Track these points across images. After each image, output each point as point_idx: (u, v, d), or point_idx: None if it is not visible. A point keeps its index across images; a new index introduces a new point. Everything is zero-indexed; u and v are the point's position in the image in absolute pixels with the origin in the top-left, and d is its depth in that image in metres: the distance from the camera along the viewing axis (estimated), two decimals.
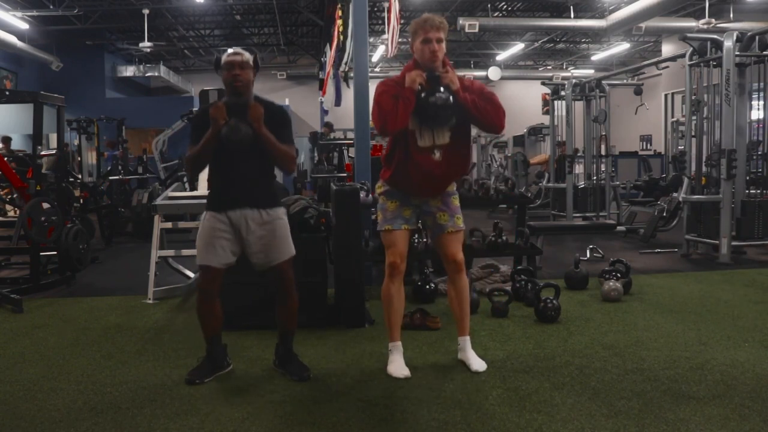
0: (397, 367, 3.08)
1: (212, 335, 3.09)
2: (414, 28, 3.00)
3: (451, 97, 2.94)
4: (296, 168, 3.10)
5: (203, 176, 5.42)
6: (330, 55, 10.43)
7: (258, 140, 2.87)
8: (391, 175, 3.11)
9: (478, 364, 3.12)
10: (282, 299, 3.08)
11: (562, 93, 9.59)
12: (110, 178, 9.01)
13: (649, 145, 18.51)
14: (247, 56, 2.93)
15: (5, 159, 5.98)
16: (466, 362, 3.16)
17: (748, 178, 6.62)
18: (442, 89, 2.95)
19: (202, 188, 5.36)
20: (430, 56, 2.96)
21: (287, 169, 3.04)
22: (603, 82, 9.24)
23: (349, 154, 11.27)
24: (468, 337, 3.22)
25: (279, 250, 3.00)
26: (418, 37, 2.98)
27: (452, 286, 3.21)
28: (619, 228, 7.67)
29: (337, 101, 12.38)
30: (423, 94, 2.94)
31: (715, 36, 6.42)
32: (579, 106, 9.60)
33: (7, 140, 11.07)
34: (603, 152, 9.20)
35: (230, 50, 2.95)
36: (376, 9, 13.98)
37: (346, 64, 9.37)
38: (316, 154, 12.38)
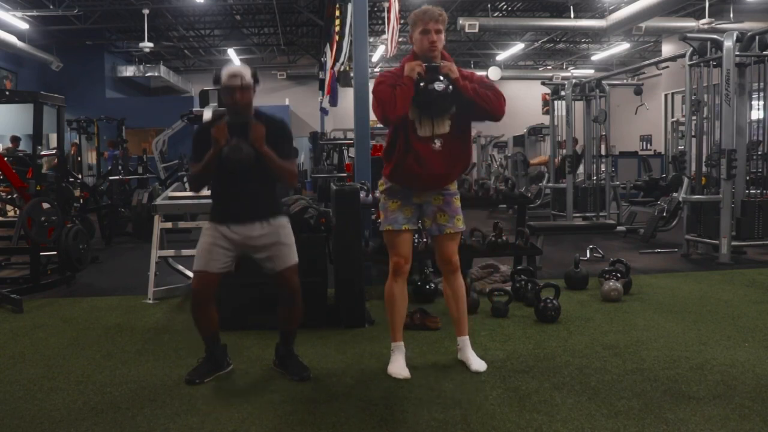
0: (398, 367, 3.08)
1: (209, 336, 3.09)
2: (413, 19, 3.00)
3: (450, 86, 2.94)
4: (297, 179, 3.09)
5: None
6: (331, 55, 10.43)
7: (260, 159, 2.89)
8: (392, 169, 3.10)
9: (478, 364, 3.12)
10: (286, 303, 3.06)
11: (562, 93, 9.59)
12: (110, 178, 9.00)
13: (649, 145, 18.52)
14: (248, 78, 2.90)
15: (5, 159, 5.97)
16: (466, 362, 3.16)
17: (748, 178, 6.62)
18: (441, 78, 2.95)
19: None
20: (429, 47, 2.96)
21: (289, 184, 3.06)
22: (603, 82, 9.24)
23: (349, 154, 11.29)
24: (467, 337, 3.22)
25: (283, 256, 3.00)
26: (417, 28, 2.98)
27: (448, 286, 3.21)
28: (619, 228, 7.67)
29: (333, 101, 12.37)
30: (422, 84, 2.94)
31: (715, 36, 6.42)
32: (579, 106, 9.61)
33: (16, 140, 11.11)
34: (603, 152, 9.20)
35: (229, 71, 2.90)
36: (376, 9, 13.98)
37: (342, 64, 9.37)
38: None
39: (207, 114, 5.72)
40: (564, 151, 10.08)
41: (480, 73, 14.04)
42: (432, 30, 2.94)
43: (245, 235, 2.96)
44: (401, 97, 2.90)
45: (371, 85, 5.33)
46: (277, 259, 2.99)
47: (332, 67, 10.38)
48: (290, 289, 3.02)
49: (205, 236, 3.01)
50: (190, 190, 3.23)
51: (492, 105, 2.98)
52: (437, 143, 3.00)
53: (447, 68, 2.95)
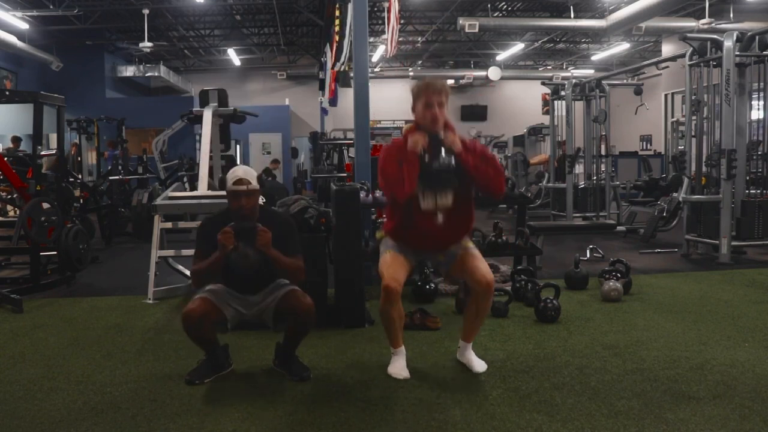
0: (398, 367, 3.08)
1: (207, 348, 3.07)
2: (416, 92, 3.01)
3: (453, 160, 2.95)
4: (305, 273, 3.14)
5: (203, 176, 5.44)
6: (331, 55, 10.43)
7: (266, 258, 2.94)
8: (393, 230, 3.12)
9: (478, 364, 3.12)
10: (298, 323, 3.04)
11: (562, 93, 9.59)
12: (110, 178, 9.01)
13: (649, 145, 18.52)
14: (253, 184, 2.97)
15: (5, 159, 5.97)
16: (466, 363, 3.16)
17: (748, 178, 6.62)
18: (443, 152, 2.96)
19: (202, 188, 5.36)
20: (431, 120, 2.96)
21: (297, 280, 3.08)
22: (603, 82, 9.25)
23: (349, 154, 11.29)
24: (470, 344, 3.20)
25: (283, 286, 3.06)
26: (419, 101, 2.98)
27: (475, 304, 3.09)
28: (619, 228, 7.66)
29: (333, 101, 12.39)
30: (426, 158, 2.94)
31: (715, 36, 6.42)
32: (579, 106, 9.61)
33: (17, 140, 11.10)
34: (603, 152, 9.20)
35: (235, 176, 2.96)
36: (376, 9, 13.98)
37: (342, 64, 9.37)
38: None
39: (207, 114, 5.71)
40: (563, 151, 10.08)
41: (481, 73, 14.10)
42: (434, 103, 2.94)
43: (246, 299, 3.08)
44: (409, 176, 2.90)
45: (371, 85, 5.34)
46: (277, 293, 3.05)
47: (333, 67, 10.39)
48: (304, 309, 2.97)
49: (211, 286, 3.07)
50: (192, 286, 3.28)
51: (491, 183, 3.00)
52: (440, 217, 3.01)
53: (450, 141, 2.95)
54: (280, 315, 3.05)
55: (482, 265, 3.05)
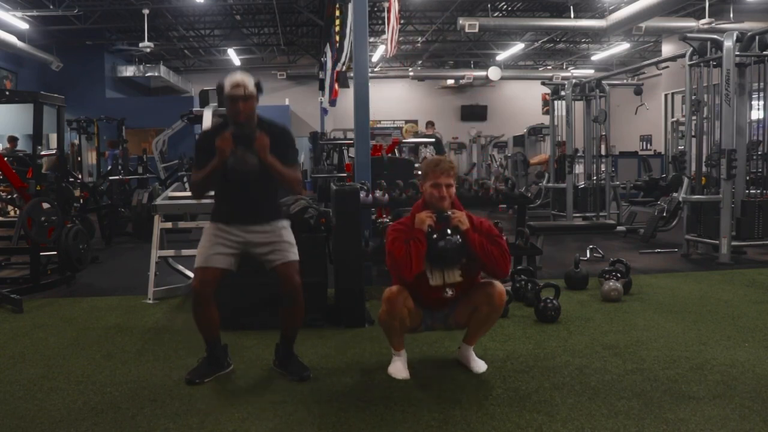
0: (398, 368, 3.08)
1: (209, 337, 3.08)
2: (424, 171, 3.09)
3: (459, 238, 2.97)
4: (301, 185, 3.12)
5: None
6: (332, 55, 10.43)
7: (263, 167, 2.91)
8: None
9: (478, 365, 3.13)
10: (287, 303, 3.04)
11: (562, 93, 9.59)
12: (110, 178, 9.00)
13: (649, 145, 18.51)
14: (251, 88, 2.92)
15: (5, 159, 5.97)
16: (466, 363, 3.16)
17: (748, 178, 6.62)
18: (450, 231, 2.98)
19: None
20: (438, 199, 3.01)
21: (294, 192, 3.09)
22: (603, 82, 9.24)
23: (349, 154, 11.28)
24: (472, 347, 3.20)
25: (284, 251, 3.02)
26: (428, 180, 3.04)
27: (487, 315, 3.08)
28: (619, 228, 7.66)
29: (332, 101, 12.39)
30: (434, 236, 2.96)
31: (715, 36, 6.42)
32: (579, 106, 9.61)
33: (13, 140, 11.09)
34: (603, 152, 9.20)
35: (232, 80, 2.91)
36: (376, 9, 13.98)
37: (343, 64, 9.36)
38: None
39: (207, 114, 5.71)
40: (562, 151, 10.08)
41: (481, 73, 14.06)
42: (443, 184, 3.00)
43: (246, 235, 3.00)
44: (416, 256, 2.92)
45: (371, 85, 5.34)
46: (278, 253, 3.01)
47: (334, 68, 10.38)
48: (291, 286, 2.99)
49: (206, 235, 3.04)
50: (192, 196, 3.24)
51: (496, 265, 3.01)
52: (449, 292, 3.04)
53: (457, 220, 2.98)
54: (275, 277, 3.05)
55: (494, 285, 3.07)
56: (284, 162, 2.96)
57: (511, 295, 4.35)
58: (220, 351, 3.13)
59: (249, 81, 2.93)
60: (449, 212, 3.01)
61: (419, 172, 6.87)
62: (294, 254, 3.05)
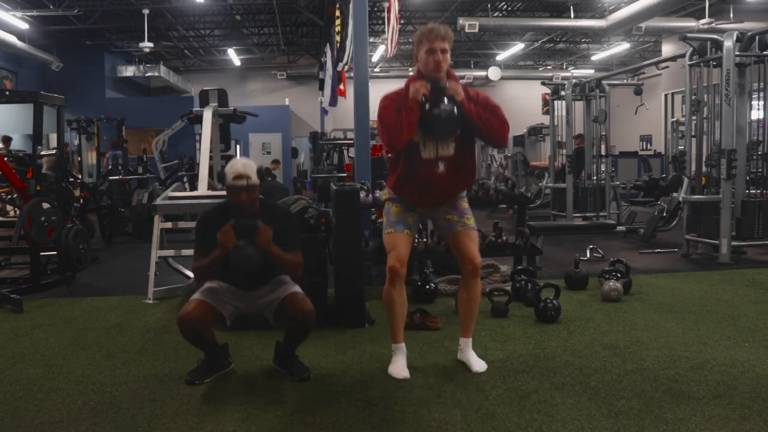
0: (398, 367, 3.07)
1: (204, 347, 3.05)
2: (419, 38, 2.95)
3: (455, 108, 2.92)
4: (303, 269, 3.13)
5: (203, 176, 5.44)
6: (332, 55, 10.42)
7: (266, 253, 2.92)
8: (395, 183, 3.10)
9: (478, 365, 3.12)
10: (299, 325, 3.01)
11: (562, 93, 9.59)
12: (110, 178, 9.01)
13: (649, 145, 18.52)
14: (253, 178, 2.94)
15: (5, 159, 5.97)
16: (466, 363, 3.15)
17: (748, 178, 6.62)
18: (446, 100, 2.91)
19: (202, 188, 5.36)
20: (434, 66, 2.91)
21: (295, 276, 3.08)
22: (603, 82, 9.24)
23: (349, 154, 11.29)
24: (470, 339, 3.21)
25: (286, 287, 3.04)
26: (422, 47, 2.92)
27: (464, 290, 3.17)
28: (619, 228, 7.65)
29: (333, 101, 12.40)
30: (427, 106, 2.90)
31: (715, 36, 6.42)
32: (579, 106, 9.60)
33: (7, 140, 11.09)
34: (603, 152, 9.20)
35: (235, 170, 2.92)
36: (376, 9, 13.99)
37: (346, 64, 9.37)
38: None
39: (207, 114, 5.71)
40: (564, 151, 10.08)
41: (480, 73, 14.07)
42: (438, 49, 2.88)
43: (248, 295, 3.06)
44: (407, 123, 2.88)
45: (371, 85, 5.33)
46: (286, 286, 3.04)
47: (335, 68, 10.37)
48: (304, 313, 2.95)
49: (210, 283, 3.04)
50: (195, 280, 3.28)
51: (494, 132, 2.97)
52: (441, 166, 2.99)
53: (452, 90, 2.91)
54: (281, 314, 3.05)
55: (473, 247, 3.09)
56: (286, 249, 2.97)
57: (511, 295, 4.35)
58: (220, 351, 3.13)
59: (251, 170, 2.96)
60: (445, 84, 2.92)
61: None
62: (294, 288, 3.05)
